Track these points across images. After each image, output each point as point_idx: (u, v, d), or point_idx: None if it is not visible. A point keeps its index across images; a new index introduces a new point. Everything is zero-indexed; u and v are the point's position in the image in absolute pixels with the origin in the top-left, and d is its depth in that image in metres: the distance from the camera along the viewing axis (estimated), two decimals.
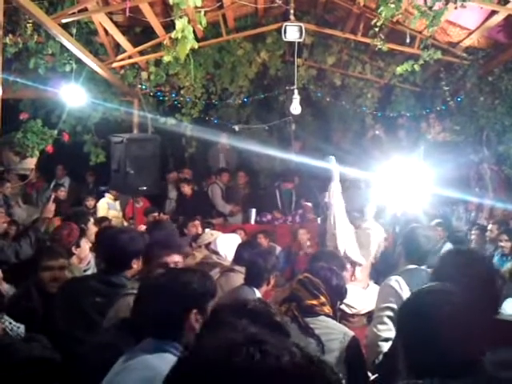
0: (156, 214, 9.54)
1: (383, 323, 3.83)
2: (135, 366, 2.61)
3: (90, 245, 5.71)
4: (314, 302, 3.24)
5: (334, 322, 3.28)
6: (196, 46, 5.82)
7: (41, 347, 3.35)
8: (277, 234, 10.19)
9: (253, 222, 10.66)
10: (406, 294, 4.02)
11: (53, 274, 4.42)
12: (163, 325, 2.65)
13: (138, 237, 4.30)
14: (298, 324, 3.15)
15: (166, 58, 7.35)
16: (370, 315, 5.37)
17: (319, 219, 10.48)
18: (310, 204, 10.89)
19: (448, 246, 8.34)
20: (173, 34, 5.69)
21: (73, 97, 9.23)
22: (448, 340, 1.95)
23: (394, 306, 3.92)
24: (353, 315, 5.59)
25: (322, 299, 3.28)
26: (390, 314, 3.86)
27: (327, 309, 3.28)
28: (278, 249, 9.85)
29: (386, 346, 3.73)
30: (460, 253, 2.96)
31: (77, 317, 3.55)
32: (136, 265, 4.17)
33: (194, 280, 2.74)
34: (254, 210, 10.70)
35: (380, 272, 7.50)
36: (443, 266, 2.84)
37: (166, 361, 2.56)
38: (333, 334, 3.15)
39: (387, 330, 3.80)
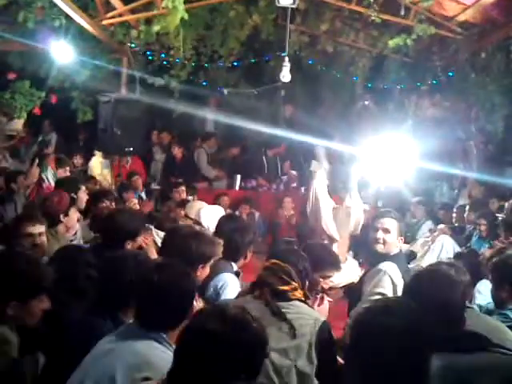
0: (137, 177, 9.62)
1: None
2: (121, 350, 2.62)
3: (79, 214, 5.70)
4: (286, 288, 3.29)
5: (306, 306, 3.32)
6: (186, 16, 5.75)
7: None
8: (260, 202, 10.24)
9: (237, 187, 10.68)
10: (398, 280, 4.11)
11: (33, 241, 4.44)
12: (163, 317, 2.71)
13: (135, 218, 4.36)
14: (270, 309, 3.19)
15: (156, 28, 7.24)
16: (346, 288, 5.49)
17: (303, 188, 10.59)
18: (294, 172, 10.93)
19: (428, 224, 8.44)
20: (163, 4, 5.62)
21: (61, 52, 9.12)
22: (397, 354, 2.05)
23: (387, 292, 4.01)
24: (330, 288, 5.66)
25: (294, 284, 3.33)
26: None
27: (299, 293, 3.33)
28: (257, 215, 9.93)
29: None
30: (428, 275, 3.05)
31: (68, 284, 3.56)
32: (130, 245, 4.25)
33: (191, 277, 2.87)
34: (238, 176, 10.72)
35: (361, 245, 7.62)
36: (416, 282, 2.98)
37: (153, 349, 2.62)
38: (304, 318, 3.19)
39: None
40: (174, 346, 2.61)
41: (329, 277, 4.13)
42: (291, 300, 3.26)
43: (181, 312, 2.73)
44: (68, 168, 8.24)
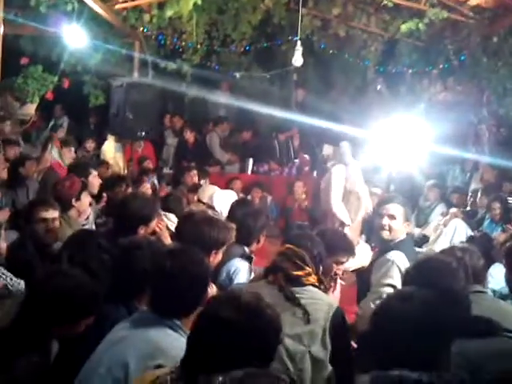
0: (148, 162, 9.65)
1: (381, 299, 3.94)
2: (135, 338, 2.62)
3: (90, 199, 5.71)
4: (300, 273, 3.30)
5: (320, 292, 3.34)
6: (199, 1, 5.74)
7: None
8: (273, 186, 10.26)
9: (249, 172, 10.70)
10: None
11: (47, 226, 4.46)
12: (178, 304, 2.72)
13: (148, 203, 4.37)
14: (284, 294, 3.22)
15: (169, 13, 7.22)
16: (358, 272, 5.51)
17: (315, 172, 10.61)
18: (306, 156, 10.93)
19: (442, 207, 8.44)
20: None
21: (74, 37, 9.13)
22: (416, 339, 2.11)
23: (396, 282, 4.01)
24: (342, 272, 5.70)
25: (308, 269, 3.33)
26: (390, 290, 3.95)
27: (313, 278, 3.34)
28: (269, 199, 9.96)
29: None
30: (431, 262, 3.12)
31: (81, 269, 3.59)
32: (143, 230, 4.27)
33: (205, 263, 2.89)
34: (251, 160, 10.73)
35: (373, 228, 7.64)
36: (416, 271, 3.06)
37: (167, 336, 2.62)
38: (318, 303, 3.21)
39: None
40: (186, 332, 2.63)
41: (342, 262, 4.12)
42: (305, 285, 3.28)
43: (194, 298, 2.73)
44: (73, 148, 8.29)
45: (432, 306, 2.19)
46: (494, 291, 4.13)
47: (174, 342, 2.58)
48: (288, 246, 3.49)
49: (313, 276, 3.35)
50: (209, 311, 2.18)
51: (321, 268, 3.53)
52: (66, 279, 3.08)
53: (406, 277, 3.17)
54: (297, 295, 3.22)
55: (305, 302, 3.19)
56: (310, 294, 3.25)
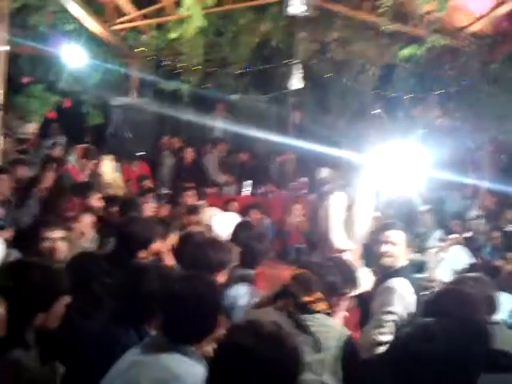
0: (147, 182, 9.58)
1: (382, 327, 3.90)
2: (147, 363, 2.58)
3: (93, 219, 5.65)
4: (310, 299, 3.26)
5: (331, 319, 3.30)
6: (204, 23, 5.76)
7: None
8: (269, 208, 10.22)
9: (247, 193, 10.67)
10: (409, 296, 4.08)
11: (50, 245, 4.40)
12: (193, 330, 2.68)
13: (148, 226, 4.32)
14: (294, 321, 3.17)
15: (172, 35, 7.25)
16: (359, 297, 5.45)
17: (312, 195, 10.58)
18: (304, 179, 10.91)
19: (438, 234, 8.42)
20: (180, 11, 5.63)
21: (72, 56, 9.15)
22: (442, 379, 2.11)
23: (397, 310, 3.96)
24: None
25: (318, 295, 3.30)
26: (392, 318, 3.92)
27: (323, 305, 3.30)
28: (268, 222, 9.91)
29: (381, 349, 3.83)
30: (452, 293, 3.09)
31: (83, 292, 3.54)
32: (144, 253, 4.22)
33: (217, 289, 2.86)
34: (248, 182, 10.70)
35: (372, 252, 7.60)
36: (437, 302, 3.04)
37: (181, 362, 2.57)
38: (329, 332, 3.17)
39: (385, 334, 3.88)
40: (200, 359, 2.60)
41: (346, 293, 4.05)
42: (315, 312, 3.24)
43: (206, 324, 2.70)
44: (94, 161, 8.21)
45: (457, 344, 2.15)
46: (505, 322, 4.08)
47: (189, 368, 2.54)
48: (301, 270, 3.44)
49: (323, 302, 3.30)
50: (230, 339, 2.14)
51: (333, 299, 3.47)
52: (30, 269, 3.02)
53: (427, 307, 3.12)
54: (307, 323, 3.17)
55: (315, 330, 3.14)
56: (321, 322, 3.21)
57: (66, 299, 3.01)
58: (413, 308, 3.99)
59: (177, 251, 4.34)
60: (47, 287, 2.96)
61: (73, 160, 7.60)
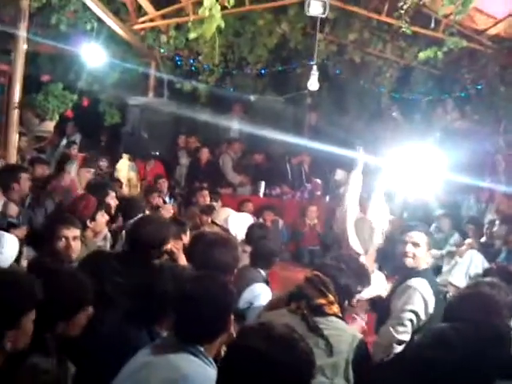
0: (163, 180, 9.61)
1: (403, 325, 3.91)
2: (158, 364, 2.58)
3: (107, 218, 5.65)
4: (323, 301, 3.25)
5: (343, 323, 3.29)
6: (223, 24, 5.77)
7: None
8: (284, 209, 10.22)
9: (261, 194, 10.67)
10: (429, 297, 4.07)
11: (66, 244, 4.41)
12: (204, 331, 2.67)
13: (162, 227, 4.31)
14: (307, 323, 3.17)
15: (192, 35, 7.26)
16: (372, 301, 5.44)
17: (327, 197, 10.58)
18: (319, 181, 10.90)
19: (455, 237, 8.37)
20: (200, 11, 5.64)
21: (92, 55, 9.22)
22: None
23: (418, 309, 3.96)
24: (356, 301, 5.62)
25: (331, 298, 3.28)
26: (412, 317, 3.93)
27: (336, 308, 3.29)
28: (281, 223, 9.91)
29: (399, 348, 3.85)
30: (476, 297, 3.06)
31: (95, 291, 3.54)
32: (157, 253, 4.22)
33: (229, 290, 2.82)
34: (263, 183, 10.70)
35: (386, 257, 7.57)
36: (457, 307, 3.00)
37: (190, 362, 2.56)
38: (342, 335, 3.16)
39: (405, 333, 3.89)
40: (210, 360, 2.60)
41: (358, 292, 4.06)
42: (328, 315, 3.23)
43: (218, 324, 2.69)
44: (92, 170, 8.25)
45: (472, 349, 2.14)
46: None
47: (197, 368, 2.53)
48: (315, 272, 3.44)
49: (336, 305, 3.29)
50: (241, 341, 2.13)
51: (346, 302, 3.47)
52: (56, 275, 3.08)
53: (449, 311, 3.10)
54: (320, 326, 3.17)
55: (328, 333, 3.14)
56: (334, 325, 3.20)
57: (90, 310, 3.05)
58: (431, 310, 3.99)
59: (188, 251, 4.33)
60: (75, 296, 3.00)
61: (73, 169, 7.59)
